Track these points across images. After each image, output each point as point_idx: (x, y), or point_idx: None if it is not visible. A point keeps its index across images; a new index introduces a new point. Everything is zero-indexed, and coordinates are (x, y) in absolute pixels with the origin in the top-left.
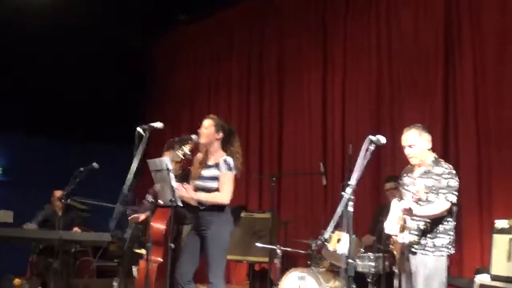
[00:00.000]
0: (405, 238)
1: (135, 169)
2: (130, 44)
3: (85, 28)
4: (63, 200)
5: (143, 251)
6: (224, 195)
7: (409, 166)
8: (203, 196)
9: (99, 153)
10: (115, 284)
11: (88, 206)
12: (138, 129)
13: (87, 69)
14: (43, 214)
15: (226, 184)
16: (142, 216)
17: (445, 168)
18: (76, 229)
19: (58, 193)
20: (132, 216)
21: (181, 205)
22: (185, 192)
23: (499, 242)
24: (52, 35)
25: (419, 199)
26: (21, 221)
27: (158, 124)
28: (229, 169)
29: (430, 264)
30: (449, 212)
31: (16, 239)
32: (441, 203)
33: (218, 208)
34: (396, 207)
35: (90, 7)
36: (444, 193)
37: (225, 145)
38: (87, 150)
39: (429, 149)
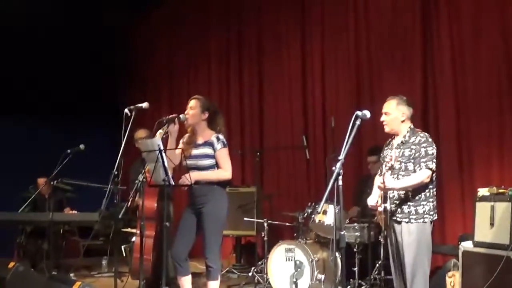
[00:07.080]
0: (387, 207)
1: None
2: (108, 25)
3: (58, 9)
4: (52, 182)
5: (130, 230)
6: (227, 171)
7: (390, 139)
8: (210, 175)
9: (81, 135)
10: (104, 262)
11: (72, 187)
12: (126, 110)
13: (65, 52)
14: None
15: (225, 159)
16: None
17: (421, 136)
18: (68, 210)
19: (42, 181)
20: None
21: (173, 184)
22: (188, 179)
23: (482, 210)
24: (25, 16)
25: (392, 167)
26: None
27: (144, 105)
28: (224, 145)
29: (414, 231)
30: (430, 179)
31: (6, 222)
32: (422, 172)
33: (213, 183)
34: (377, 181)
35: None
36: (424, 162)
37: (211, 124)
38: (69, 132)
39: (402, 121)
